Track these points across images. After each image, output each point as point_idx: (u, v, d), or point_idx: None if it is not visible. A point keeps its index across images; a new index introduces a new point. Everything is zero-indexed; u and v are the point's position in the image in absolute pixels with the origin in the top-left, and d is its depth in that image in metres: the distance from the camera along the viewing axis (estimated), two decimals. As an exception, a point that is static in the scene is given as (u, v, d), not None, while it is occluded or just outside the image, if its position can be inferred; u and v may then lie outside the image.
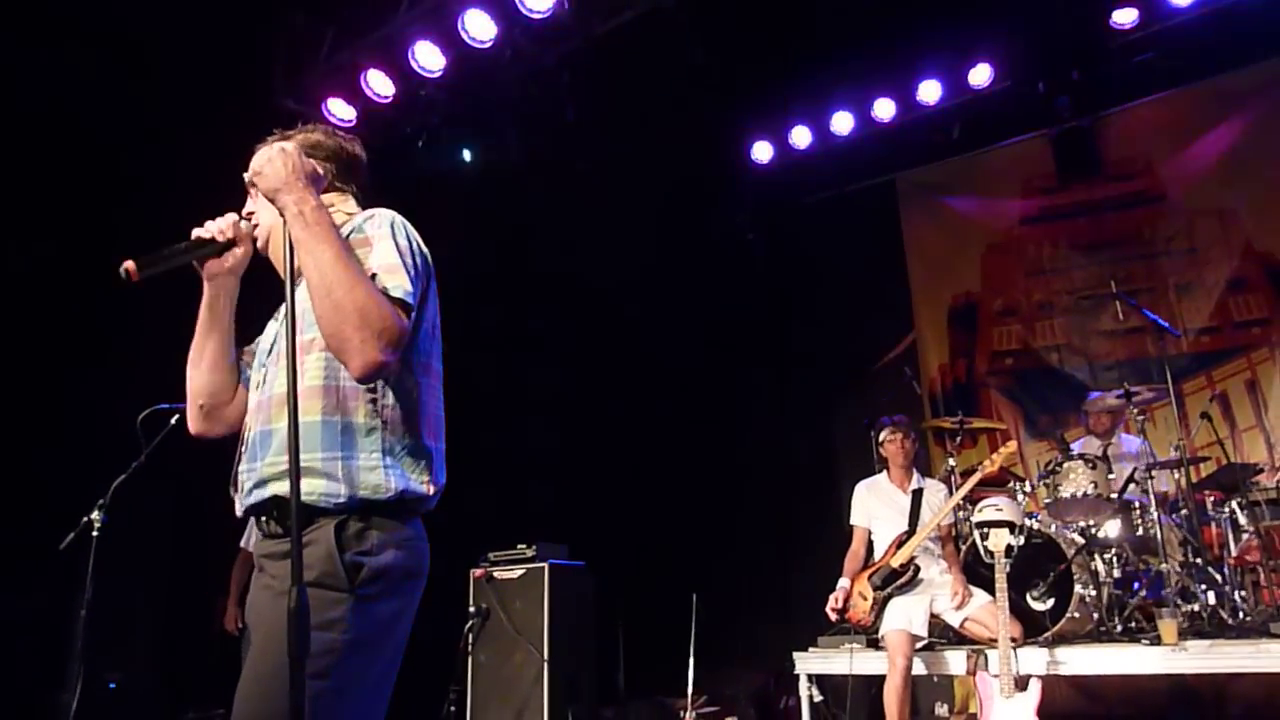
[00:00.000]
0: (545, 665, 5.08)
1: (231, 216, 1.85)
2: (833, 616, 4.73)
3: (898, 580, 4.63)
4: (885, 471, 5.12)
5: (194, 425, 1.92)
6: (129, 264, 1.65)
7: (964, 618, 4.52)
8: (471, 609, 5.47)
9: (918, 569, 4.64)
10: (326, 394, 1.68)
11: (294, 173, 1.66)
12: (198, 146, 4.99)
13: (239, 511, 1.77)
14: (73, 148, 4.86)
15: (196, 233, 1.81)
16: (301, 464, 1.62)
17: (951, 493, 5.10)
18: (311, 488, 1.62)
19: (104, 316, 4.85)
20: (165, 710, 4.73)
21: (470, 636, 5.42)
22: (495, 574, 5.50)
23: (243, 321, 1.95)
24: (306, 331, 1.70)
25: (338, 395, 1.67)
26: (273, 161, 1.66)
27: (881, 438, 5.09)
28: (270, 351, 1.81)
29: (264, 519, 1.71)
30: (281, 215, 1.65)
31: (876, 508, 5.01)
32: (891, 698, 4.28)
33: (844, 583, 4.79)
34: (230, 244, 1.83)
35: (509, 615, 5.34)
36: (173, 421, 3.55)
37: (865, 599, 4.66)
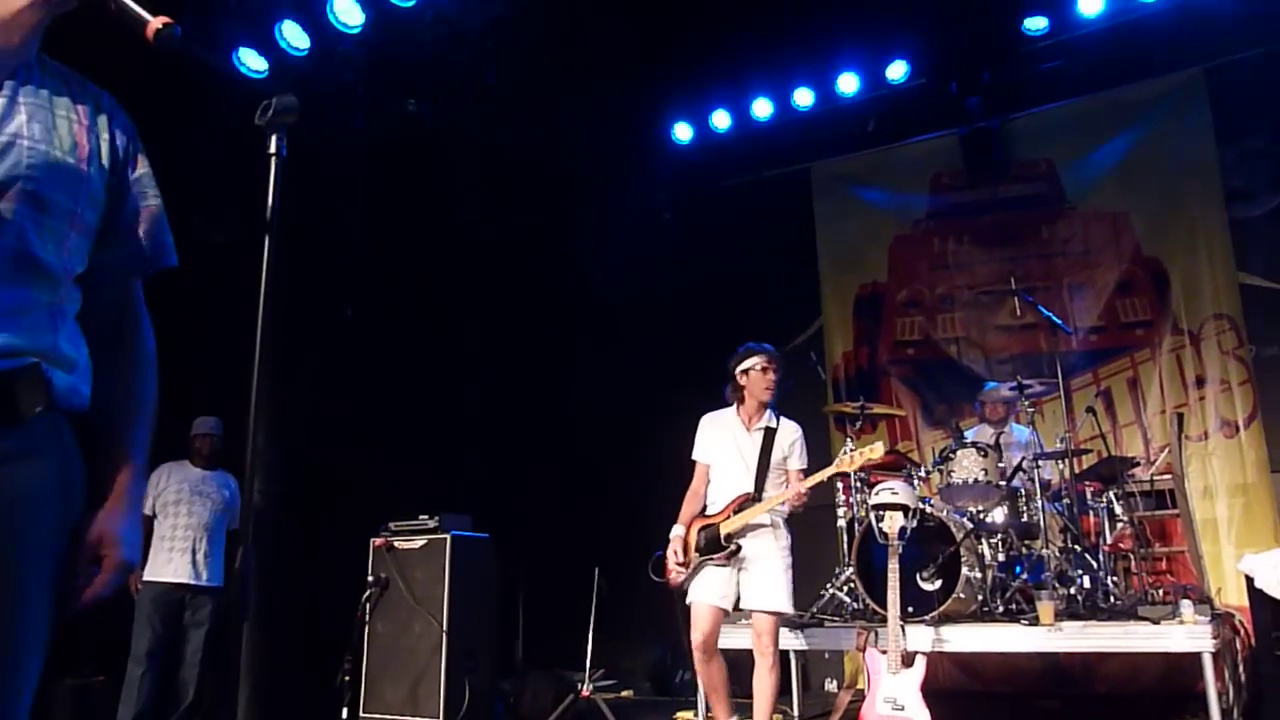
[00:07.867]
0: (444, 636, 5.05)
1: None
2: (673, 573, 4.22)
3: (717, 553, 4.17)
4: (737, 405, 4.49)
5: None
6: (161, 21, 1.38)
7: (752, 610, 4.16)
8: (370, 578, 5.40)
9: (738, 548, 4.14)
10: (61, 278, 1.38)
11: None
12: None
13: None
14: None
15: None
16: (38, 353, 1.32)
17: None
18: (52, 377, 1.34)
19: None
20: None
21: (368, 606, 5.35)
22: (396, 544, 5.43)
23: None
24: (68, 204, 1.38)
25: (69, 285, 1.39)
26: None
27: (747, 365, 4.41)
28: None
29: None
30: None
31: (715, 443, 4.45)
32: (701, 671, 4.20)
33: (679, 531, 4.30)
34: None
35: (409, 585, 5.28)
36: None
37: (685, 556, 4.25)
